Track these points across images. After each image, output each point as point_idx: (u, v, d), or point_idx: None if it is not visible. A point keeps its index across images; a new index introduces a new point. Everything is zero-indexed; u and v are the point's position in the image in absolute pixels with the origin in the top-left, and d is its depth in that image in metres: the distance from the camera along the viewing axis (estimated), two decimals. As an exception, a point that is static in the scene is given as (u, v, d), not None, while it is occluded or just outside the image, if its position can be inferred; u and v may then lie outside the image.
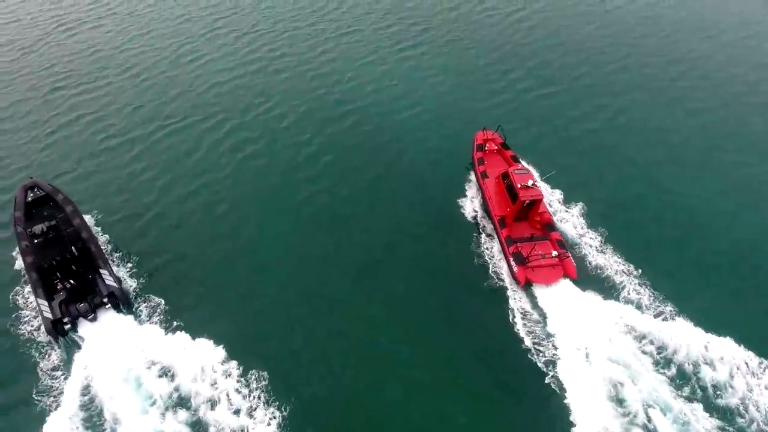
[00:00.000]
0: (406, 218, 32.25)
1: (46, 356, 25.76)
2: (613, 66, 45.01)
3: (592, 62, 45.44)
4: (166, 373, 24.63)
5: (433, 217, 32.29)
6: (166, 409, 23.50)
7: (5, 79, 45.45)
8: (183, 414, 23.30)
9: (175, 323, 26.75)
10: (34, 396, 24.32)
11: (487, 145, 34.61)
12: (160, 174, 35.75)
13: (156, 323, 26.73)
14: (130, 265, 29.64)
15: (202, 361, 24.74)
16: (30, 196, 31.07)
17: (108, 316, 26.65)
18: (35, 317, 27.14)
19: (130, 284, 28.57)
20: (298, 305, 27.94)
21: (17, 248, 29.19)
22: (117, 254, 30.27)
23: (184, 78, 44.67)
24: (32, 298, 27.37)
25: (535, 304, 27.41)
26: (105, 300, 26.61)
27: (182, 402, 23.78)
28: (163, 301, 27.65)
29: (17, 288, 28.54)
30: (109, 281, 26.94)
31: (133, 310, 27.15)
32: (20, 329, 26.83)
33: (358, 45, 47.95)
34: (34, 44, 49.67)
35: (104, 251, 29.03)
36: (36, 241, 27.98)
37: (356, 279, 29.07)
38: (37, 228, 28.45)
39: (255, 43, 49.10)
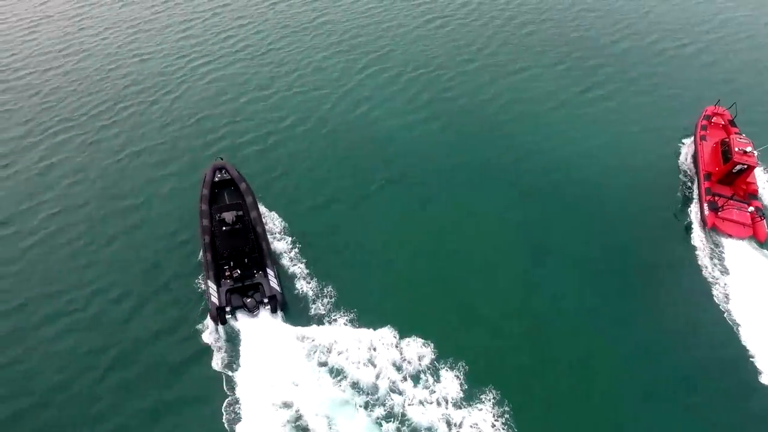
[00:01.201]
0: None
1: (204, 335, 27.68)
2: None
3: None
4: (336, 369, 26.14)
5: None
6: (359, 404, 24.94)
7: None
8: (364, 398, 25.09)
9: (341, 318, 28.31)
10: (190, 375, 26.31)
11: (714, 118, 37.03)
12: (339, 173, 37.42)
13: (318, 322, 28.20)
14: (294, 262, 31.03)
15: (370, 348, 26.52)
16: (218, 177, 32.97)
17: (264, 314, 28.01)
18: (201, 295, 29.18)
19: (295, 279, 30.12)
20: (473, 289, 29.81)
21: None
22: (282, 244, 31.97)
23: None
24: (202, 277, 29.45)
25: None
26: (266, 300, 27.93)
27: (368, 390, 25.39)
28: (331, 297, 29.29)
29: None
30: (273, 283, 28.28)
31: (287, 313, 28.36)
32: (190, 301, 29.29)
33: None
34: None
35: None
36: (224, 228, 29.11)
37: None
38: (229, 217, 29.40)
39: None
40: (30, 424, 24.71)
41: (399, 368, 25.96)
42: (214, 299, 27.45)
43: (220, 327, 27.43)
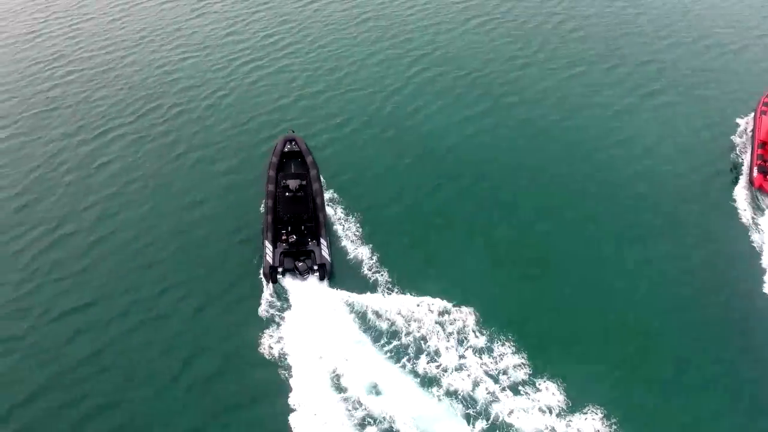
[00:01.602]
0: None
1: (256, 292, 29.08)
2: None
3: None
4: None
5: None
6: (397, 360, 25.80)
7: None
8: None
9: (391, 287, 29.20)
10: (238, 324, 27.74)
11: None
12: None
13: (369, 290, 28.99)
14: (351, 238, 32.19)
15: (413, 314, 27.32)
16: (287, 147, 34.63)
17: (313, 280, 29.16)
18: (257, 254, 30.67)
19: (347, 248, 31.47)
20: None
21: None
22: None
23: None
24: (261, 238, 31.07)
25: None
26: (315, 268, 29.08)
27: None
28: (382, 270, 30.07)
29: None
30: (325, 252, 29.64)
31: (336, 281, 29.41)
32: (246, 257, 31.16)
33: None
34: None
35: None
36: (287, 194, 31.04)
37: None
38: (293, 184, 31.23)
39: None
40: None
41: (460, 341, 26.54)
42: (269, 258, 29.09)
43: (271, 285, 28.71)
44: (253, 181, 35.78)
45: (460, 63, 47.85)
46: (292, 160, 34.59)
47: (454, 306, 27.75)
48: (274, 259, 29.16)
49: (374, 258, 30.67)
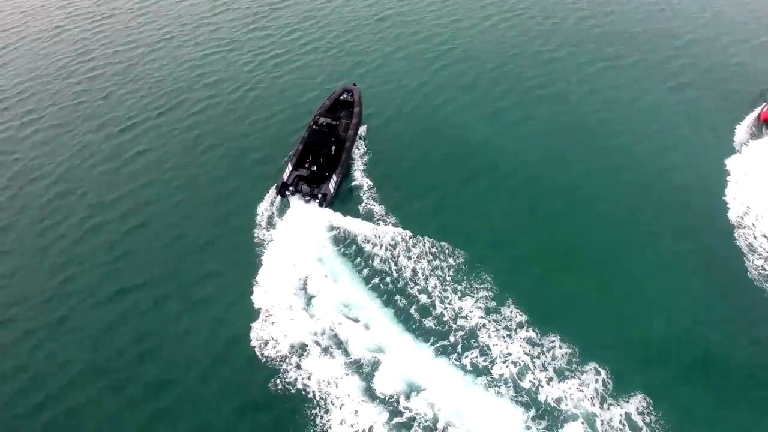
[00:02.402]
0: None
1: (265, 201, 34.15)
2: None
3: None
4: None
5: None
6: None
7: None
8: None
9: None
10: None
11: None
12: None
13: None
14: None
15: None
16: (342, 96, 39.62)
17: (314, 205, 33.38)
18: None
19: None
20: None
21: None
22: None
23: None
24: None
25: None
26: (317, 195, 33.32)
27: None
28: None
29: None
30: (331, 186, 33.86)
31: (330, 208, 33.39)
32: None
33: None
34: None
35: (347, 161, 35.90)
36: (314, 127, 35.71)
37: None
38: (322, 120, 36.04)
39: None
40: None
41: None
42: (285, 176, 34.22)
43: (279, 198, 33.77)
44: (281, 171, 35.90)
45: (484, 58, 48.05)
46: (342, 109, 38.94)
47: (448, 246, 30.30)
48: (288, 177, 34.16)
49: (375, 194, 34.32)
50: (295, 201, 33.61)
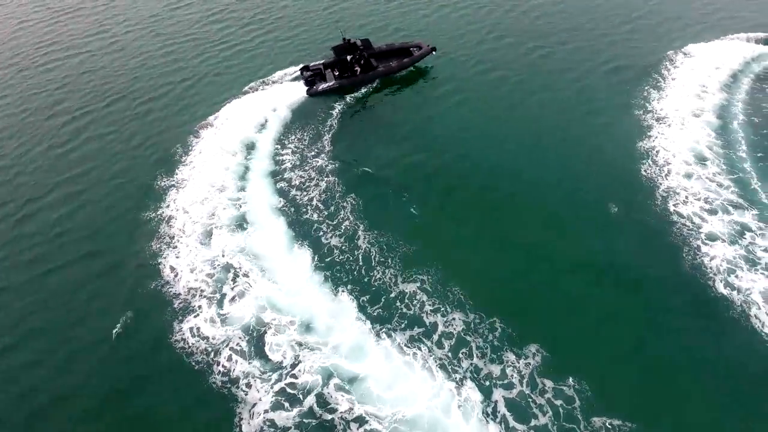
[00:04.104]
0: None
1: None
2: None
3: None
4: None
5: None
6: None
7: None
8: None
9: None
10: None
11: None
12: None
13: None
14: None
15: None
16: (395, 46, 46.92)
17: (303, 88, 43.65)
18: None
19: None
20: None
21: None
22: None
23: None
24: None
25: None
26: (311, 84, 43.75)
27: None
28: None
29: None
30: (325, 85, 43.20)
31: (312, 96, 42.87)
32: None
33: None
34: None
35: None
36: (345, 39, 44.80)
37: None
38: (354, 39, 45.40)
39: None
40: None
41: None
42: (312, 65, 45.12)
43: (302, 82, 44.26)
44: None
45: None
46: (394, 56, 45.82)
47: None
48: (312, 67, 44.77)
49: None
50: (297, 83, 43.98)
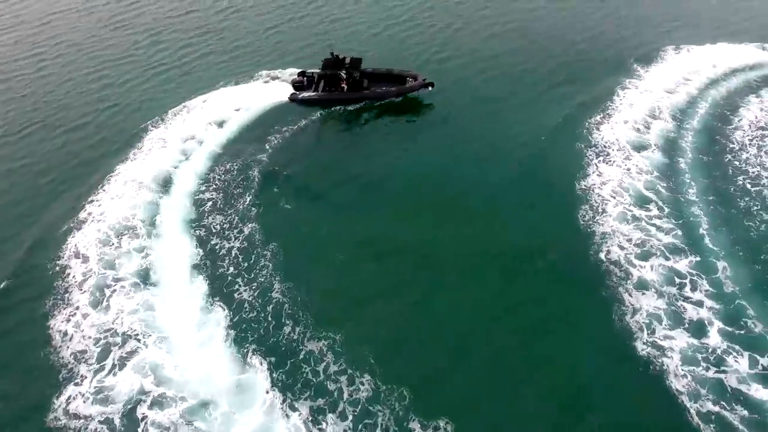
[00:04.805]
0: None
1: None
2: None
3: None
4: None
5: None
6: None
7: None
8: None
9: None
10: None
11: None
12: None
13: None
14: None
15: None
16: (408, 78, 44.31)
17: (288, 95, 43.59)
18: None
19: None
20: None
21: None
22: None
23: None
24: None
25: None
26: (296, 93, 43.56)
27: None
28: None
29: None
30: (307, 94, 43.22)
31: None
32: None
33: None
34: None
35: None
36: (332, 54, 44.40)
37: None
38: (344, 56, 44.76)
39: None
40: None
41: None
42: (304, 79, 44.49)
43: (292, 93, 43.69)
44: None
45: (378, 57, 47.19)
46: (382, 82, 44.04)
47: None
48: (300, 79, 44.50)
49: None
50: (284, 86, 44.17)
